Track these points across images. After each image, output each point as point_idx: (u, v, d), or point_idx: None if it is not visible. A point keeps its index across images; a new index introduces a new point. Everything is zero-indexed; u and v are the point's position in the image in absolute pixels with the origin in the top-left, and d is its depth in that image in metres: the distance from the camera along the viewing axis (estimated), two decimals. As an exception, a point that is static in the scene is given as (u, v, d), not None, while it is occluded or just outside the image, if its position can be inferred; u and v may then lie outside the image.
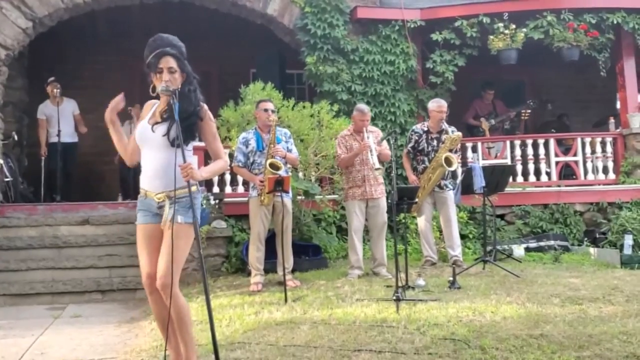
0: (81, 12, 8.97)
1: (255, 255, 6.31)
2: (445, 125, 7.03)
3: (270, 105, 6.44)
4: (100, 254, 7.37)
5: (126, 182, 9.89)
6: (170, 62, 3.40)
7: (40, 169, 9.35)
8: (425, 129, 7.26)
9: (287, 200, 6.28)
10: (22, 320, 5.74)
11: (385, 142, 6.57)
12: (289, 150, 6.36)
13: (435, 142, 7.14)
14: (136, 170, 9.72)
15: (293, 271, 6.61)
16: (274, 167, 5.96)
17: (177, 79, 3.41)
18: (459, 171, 8.97)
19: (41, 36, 8.92)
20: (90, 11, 9.12)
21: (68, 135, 9.42)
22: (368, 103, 8.84)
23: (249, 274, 6.52)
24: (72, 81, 10.29)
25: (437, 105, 7.18)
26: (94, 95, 10.79)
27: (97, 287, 6.86)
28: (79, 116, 9.64)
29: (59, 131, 9.17)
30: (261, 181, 6.09)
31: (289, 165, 6.61)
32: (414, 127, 7.52)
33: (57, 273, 7.05)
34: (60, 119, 9.22)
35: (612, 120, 10.42)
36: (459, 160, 8.36)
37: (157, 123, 3.43)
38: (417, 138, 7.26)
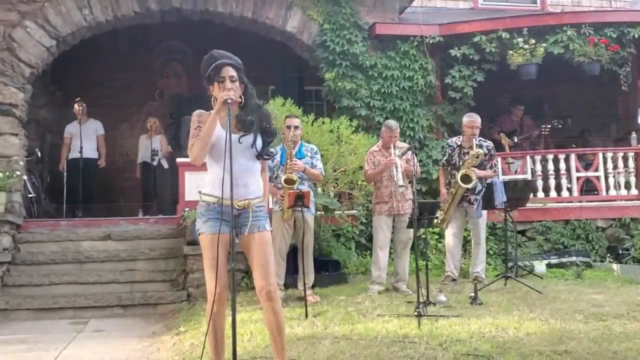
0: (103, 30, 9.11)
1: (276, 270, 6.30)
2: (476, 141, 6.94)
3: (294, 122, 6.39)
4: (121, 269, 7.44)
5: (148, 198, 9.98)
6: (231, 71, 3.45)
7: (62, 185, 9.46)
8: (459, 143, 7.19)
9: (309, 215, 6.30)
10: (45, 334, 5.79)
11: (412, 158, 6.50)
12: (313, 166, 6.36)
13: (467, 157, 6.99)
14: (157, 185, 9.93)
15: (313, 286, 6.59)
16: (289, 181, 5.96)
17: (238, 88, 3.47)
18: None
19: (63, 55, 9.07)
20: (111, 30, 9.26)
21: (89, 150, 9.56)
22: (386, 118, 8.84)
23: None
24: (93, 99, 10.42)
25: (469, 120, 7.05)
26: (114, 112, 11.01)
27: (119, 301, 6.91)
28: (101, 138, 9.80)
29: (81, 148, 9.30)
30: (281, 196, 6.10)
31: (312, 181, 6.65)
32: (448, 141, 7.48)
33: (79, 288, 7.12)
34: (83, 136, 9.37)
35: (633, 135, 10.33)
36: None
37: (243, 135, 3.45)
38: (450, 152, 7.19)
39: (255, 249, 3.45)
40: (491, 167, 7.12)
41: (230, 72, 3.46)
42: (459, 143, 7.18)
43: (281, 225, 6.27)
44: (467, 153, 6.96)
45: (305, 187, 6.29)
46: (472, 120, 7.03)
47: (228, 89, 3.39)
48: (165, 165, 10.12)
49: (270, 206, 6.64)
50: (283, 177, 5.98)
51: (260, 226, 3.48)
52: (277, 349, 3.48)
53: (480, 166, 6.95)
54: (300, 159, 6.25)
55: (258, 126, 3.49)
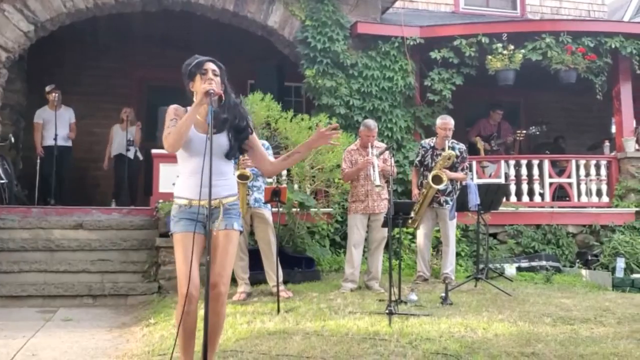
0: (83, 17, 9.00)
1: (239, 264, 6.31)
2: (449, 142, 7.04)
3: None
4: (92, 258, 7.36)
5: (120, 187, 9.90)
6: (213, 66, 3.48)
7: (35, 172, 9.35)
8: (432, 144, 7.29)
9: (265, 211, 6.33)
10: (12, 321, 5.71)
11: (389, 158, 6.54)
12: None
13: (438, 158, 7.09)
14: (131, 176, 9.84)
15: (285, 282, 6.60)
16: (242, 177, 5.94)
17: (219, 84, 3.46)
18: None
19: (41, 40, 8.95)
20: (91, 17, 9.16)
21: (63, 139, 9.47)
22: (365, 118, 8.86)
23: (241, 284, 6.52)
24: (70, 86, 10.31)
25: (442, 122, 7.19)
26: (92, 101, 10.89)
27: (89, 291, 6.84)
28: (73, 125, 9.69)
29: (55, 135, 9.19)
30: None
31: (270, 179, 6.66)
32: (422, 142, 7.59)
33: (49, 276, 7.03)
34: (58, 123, 9.26)
35: (607, 143, 10.51)
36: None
37: (215, 132, 3.38)
38: (423, 153, 7.31)
39: (219, 246, 3.43)
40: (463, 170, 7.23)
41: (212, 67, 3.47)
42: (432, 144, 7.29)
43: None
44: (440, 154, 7.06)
45: (259, 183, 6.36)
46: (445, 122, 7.16)
47: (210, 80, 3.39)
48: (140, 157, 10.08)
49: None
50: (237, 173, 5.98)
51: (228, 224, 3.45)
52: (209, 349, 3.38)
53: (452, 168, 7.06)
54: None
55: (231, 125, 3.48)
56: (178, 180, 3.55)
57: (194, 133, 3.44)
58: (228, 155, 3.50)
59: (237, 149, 3.53)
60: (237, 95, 3.64)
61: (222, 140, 3.47)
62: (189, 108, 3.52)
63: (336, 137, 3.62)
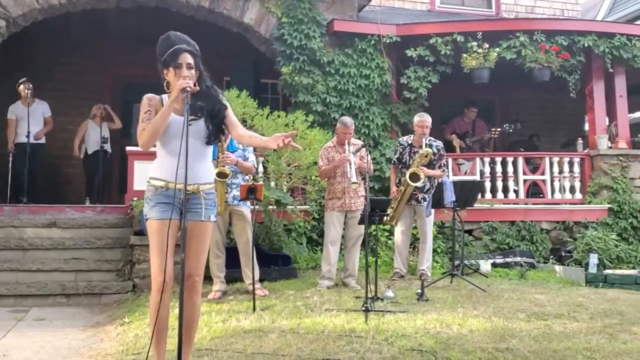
0: (56, 13, 8.88)
1: (215, 262, 6.27)
2: (426, 140, 7.06)
3: None
4: (66, 257, 7.27)
5: (92, 185, 9.79)
6: (189, 58, 3.41)
7: (7, 170, 9.19)
8: (410, 142, 7.31)
9: (244, 208, 6.30)
10: (-17, 322, 5.61)
11: (366, 155, 6.54)
12: (246, 159, 6.32)
13: (416, 156, 7.11)
14: (104, 173, 9.69)
15: (261, 280, 6.58)
16: (221, 175, 5.87)
17: (194, 75, 3.43)
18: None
19: (13, 36, 8.80)
20: (64, 13, 9.03)
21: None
22: (342, 115, 8.86)
23: (217, 282, 6.48)
24: (43, 82, 10.15)
25: (419, 119, 7.19)
26: (66, 97, 10.74)
27: (62, 290, 6.76)
28: (49, 118, 9.55)
29: (28, 132, 9.04)
30: (215, 189, 6.02)
31: (247, 176, 6.62)
32: (400, 139, 7.61)
33: (21, 275, 6.92)
34: (30, 120, 9.10)
35: (580, 141, 10.64)
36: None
37: (192, 119, 3.38)
38: (401, 150, 7.33)
39: (195, 237, 3.43)
40: (440, 167, 7.26)
41: (188, 59, 3.42)
42: (409, 142, 7.31)
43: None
44: (417, 152, 7.08)
45: (238, 180, 6.30)
46: (422, 119, 7.17)
47: (184, 77, 3.35)
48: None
49: None
50: (215, 171, 5.92)
51: (205, 215, 3.47)
52: (185, 344, 3.38)
53: (430, 165, 7.08)
54: (232, 152, 6.21)
55: (208, 111, 3.46)
56: (155, 161, 3.52)
57: (172, 117, 3.40)
58: (208, 140, 3.48)
59: (216, 132, 3.51)
60: (211, 80, 3.59)
61: (201, 124, 3.46)
62: (164, 96, 3.48)
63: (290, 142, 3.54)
